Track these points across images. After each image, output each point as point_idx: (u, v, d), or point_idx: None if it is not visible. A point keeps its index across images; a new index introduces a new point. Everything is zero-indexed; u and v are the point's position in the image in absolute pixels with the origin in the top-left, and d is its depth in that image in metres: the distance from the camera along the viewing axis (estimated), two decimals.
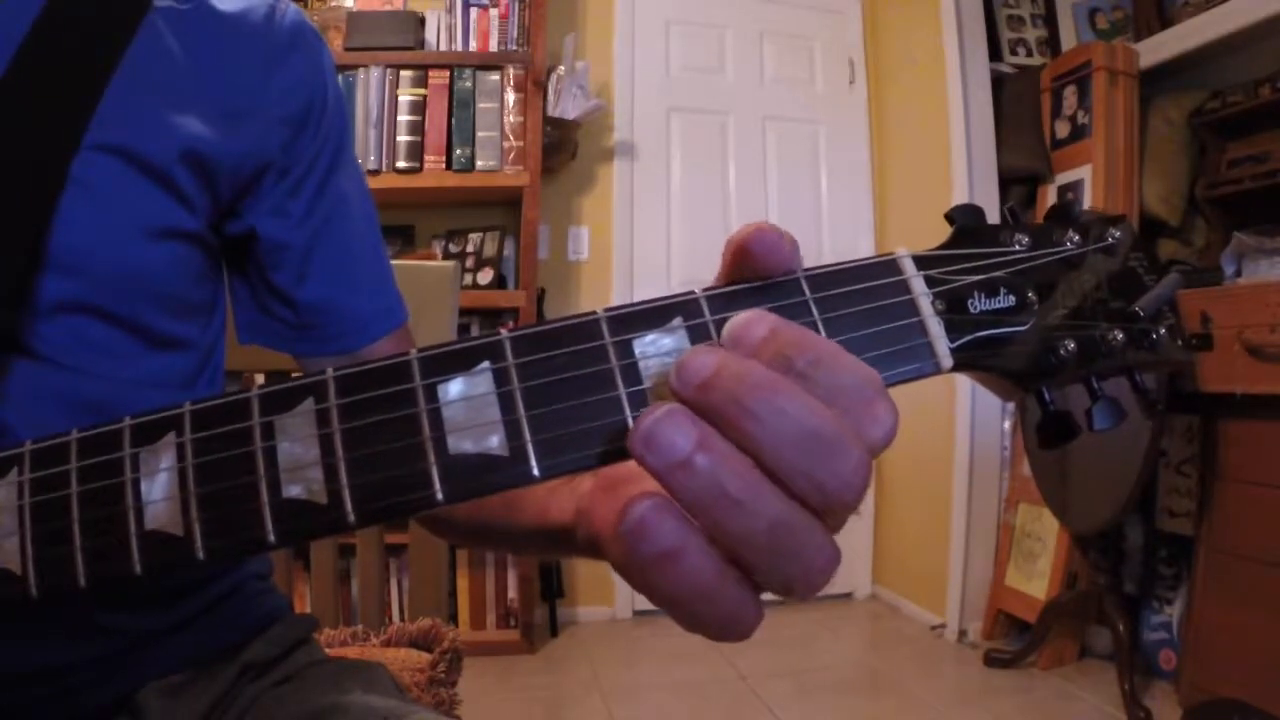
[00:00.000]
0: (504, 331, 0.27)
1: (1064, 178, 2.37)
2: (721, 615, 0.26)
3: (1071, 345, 0.31)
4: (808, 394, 0.25)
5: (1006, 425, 2.45)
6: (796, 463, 0.24)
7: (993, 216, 0.31)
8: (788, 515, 0.24)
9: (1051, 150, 2.41)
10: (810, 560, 0.25)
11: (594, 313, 0.28)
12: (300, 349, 0.59)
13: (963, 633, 2.43)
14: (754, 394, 0.24)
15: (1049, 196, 2.43)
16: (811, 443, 0.24)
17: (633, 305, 0.28)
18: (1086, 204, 2.24)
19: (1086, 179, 2.28)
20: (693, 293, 0.28)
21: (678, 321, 0.28)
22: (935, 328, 0.29)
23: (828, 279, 0.29)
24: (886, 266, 0.30)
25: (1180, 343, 0.33)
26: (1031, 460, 2.26)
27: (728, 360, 0.25)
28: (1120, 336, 0.32)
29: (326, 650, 0.65)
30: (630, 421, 0.27)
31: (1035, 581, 2.25)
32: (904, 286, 0.30)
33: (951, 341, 0.30)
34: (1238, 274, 1.92)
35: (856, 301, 0.29)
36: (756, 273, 0.29)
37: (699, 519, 0.24)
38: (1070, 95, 2.35)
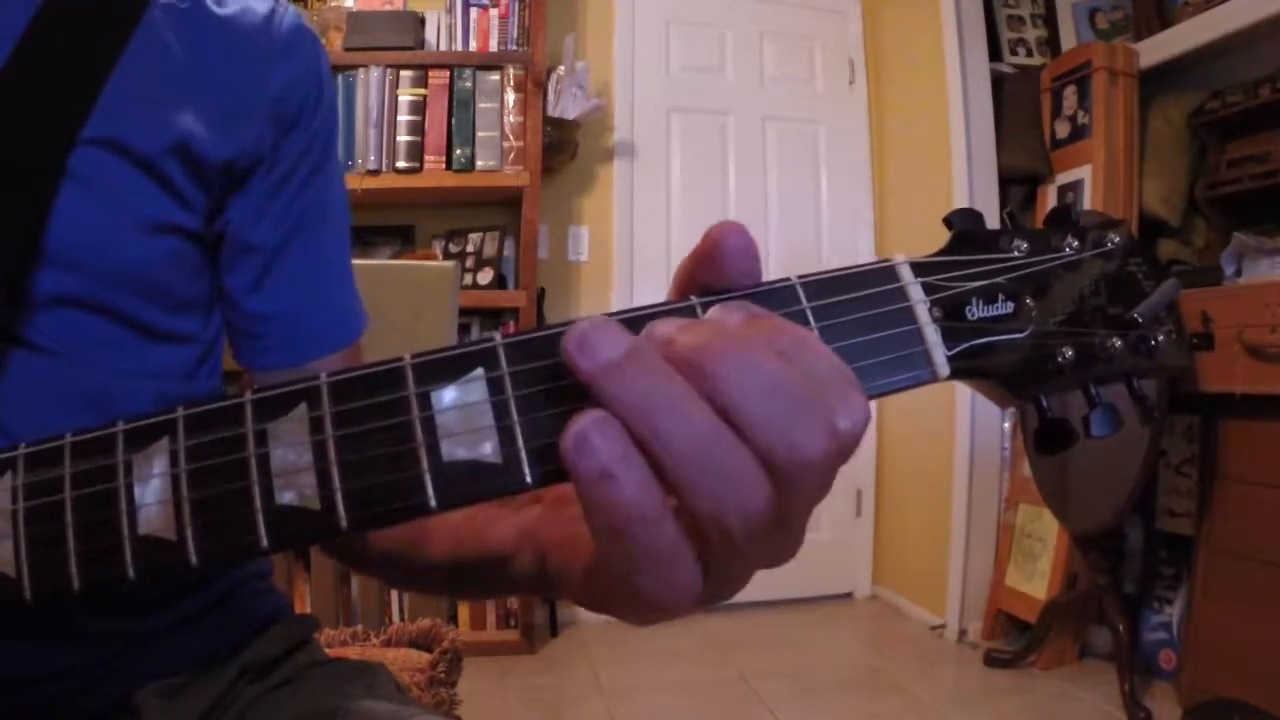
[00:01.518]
0: (498, 338, 0.27)
1: (1064, 178, 2.37)
2: (658, 558, 0.25)
3: (1070, 353, 0.31)
4: (784, 362, 0.25)
5: (1006, 426, 2.45)
6: (761, 412, 0.24)
7: (992, 217, 0.31)
8: (716, 432, 0.24)
9: (1051, 150, 2.41)
10: (742, 489, 0.24)
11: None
12: (244, 359, 0.58)
13: (963, 633, 2.43)
14: (724, 347, 0.24)
15: (1049, 196, 2.42)
16: (780, 398, 0.24)
17: (631, 310, 0.28)
18: (1086, 204, 2.24)
19: (1086, 179, 2.27)
20: (689, 299, 0.28)
21: None
22: (932, 335, 0.29)
23: (824, 286, 0.29)
24: (884, 273, 0.30)
25: (1181, 348, 0.33)
26: (1032, 462, 2.26)
27: (699, 324, 0.25)
28: (1118, 343, 0.32)
29: (327, 650, 0.64)
30: None
31: (1035, 581, 2.25)
32: (901, 294, 0.29)
33: (949, 349, 0.29)
34: (1238, 274, 1.92)
35: (853, 309, 0.29)
36: (722, 275, 0.28)
37: (631, 426, 0.24)
38: (1070, 95, 2.34)
